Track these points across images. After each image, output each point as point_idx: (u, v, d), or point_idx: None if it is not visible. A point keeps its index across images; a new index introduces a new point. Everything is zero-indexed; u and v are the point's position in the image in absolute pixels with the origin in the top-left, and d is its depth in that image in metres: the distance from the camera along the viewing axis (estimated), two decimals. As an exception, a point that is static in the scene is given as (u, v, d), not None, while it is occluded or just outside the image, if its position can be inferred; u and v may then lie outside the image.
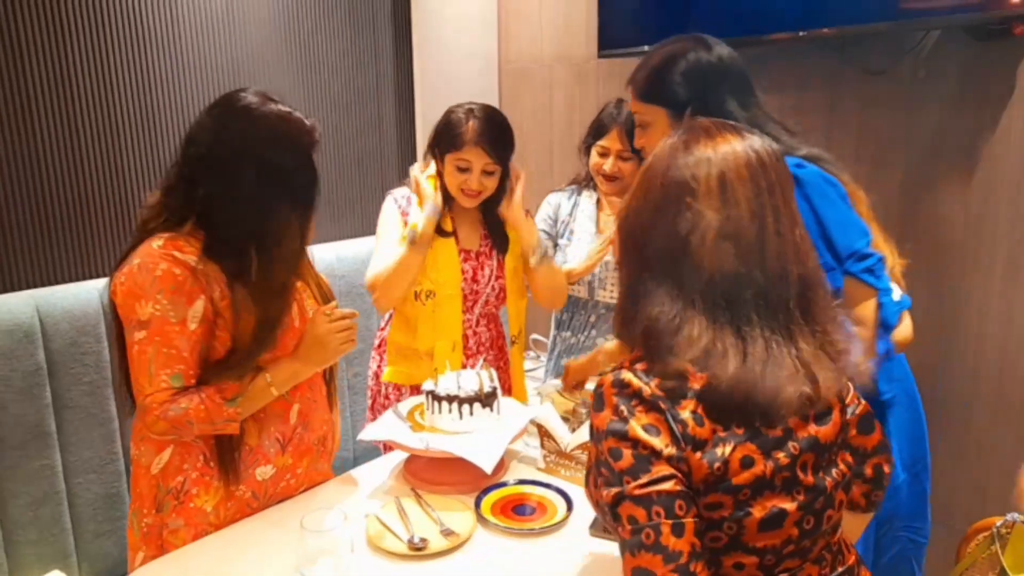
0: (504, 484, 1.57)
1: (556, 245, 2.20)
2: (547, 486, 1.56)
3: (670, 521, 0.88)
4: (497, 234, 1.96)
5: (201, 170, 1.37)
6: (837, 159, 1.48)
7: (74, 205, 2.04)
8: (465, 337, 1.95)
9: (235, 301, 1.37)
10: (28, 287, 1.93)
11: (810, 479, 0.96)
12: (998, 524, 1.64)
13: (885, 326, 1.35)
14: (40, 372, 1.83)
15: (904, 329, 1.38)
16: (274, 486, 1.51)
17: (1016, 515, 1.62)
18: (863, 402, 1.10)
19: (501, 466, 1.63)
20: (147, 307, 1.33)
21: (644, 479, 0.88)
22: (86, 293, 1.93)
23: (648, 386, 0.91)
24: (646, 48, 2.32)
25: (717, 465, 0.90)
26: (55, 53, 1.98)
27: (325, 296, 1.59)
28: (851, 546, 1.08)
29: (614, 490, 0.90)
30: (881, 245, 1.48)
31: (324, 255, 2.48)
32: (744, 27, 2.08)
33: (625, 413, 0.90)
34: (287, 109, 1.41)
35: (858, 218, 1.40)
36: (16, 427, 1.81)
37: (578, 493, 1.48)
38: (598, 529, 1.33)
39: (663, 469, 0.89)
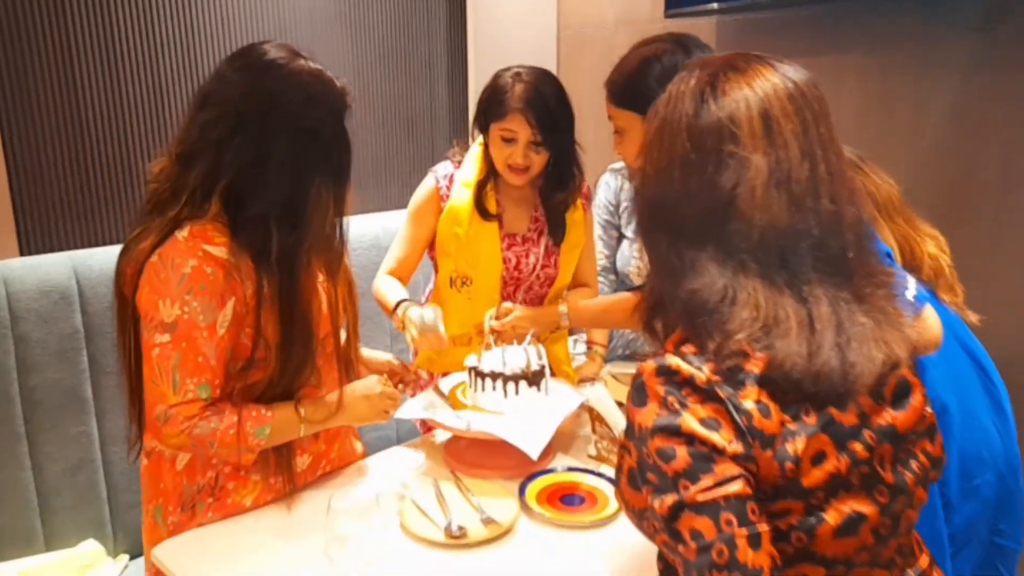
0: (551, 471, 1.46)
1: (621, 236, 2.04)
2: (598, 475, 1.43)
3: (745, 531, 0.73)
4: (554, 220, 1.78)
5: (227, 133, 1.22)
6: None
7: (116, 166, 2.00)
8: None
9: (260, 292, 1.24)
10: (66, 248, 1.90)
11: (889, 476, 0.82)
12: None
13: None
14: (77, 336, 1.79)
15: (927, 329, 1.23)
16: (311, 474, 1.43)
17: None
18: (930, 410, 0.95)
19: (548, 451, 1.52)
20: (173, 308, 1.20)
21: (707, 481, 0.74)
22: (125, 257, 1.87)
23: (701, 371, 0.76)
24: (715, 6, 2.16)
25: (789, 465, 0.76)
26: (100, 17, 1.94)
27: (348, 279, 1.46)
28: (922, 544, 0.94)
29: (670, 499, 0.75)
30: (888, 239, 1.39)
31: (369, 227, 2.39)
32: (829, -21, 1.89)
33: (676, 405, 0.76)
34: (318, 67, 1.28)
35: None
36: (52, 391, 1.78)
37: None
38: None
39: (729, 468, 0.74)
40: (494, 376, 1.49)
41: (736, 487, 0.74)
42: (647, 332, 0.90)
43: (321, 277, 1.39)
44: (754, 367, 0.77)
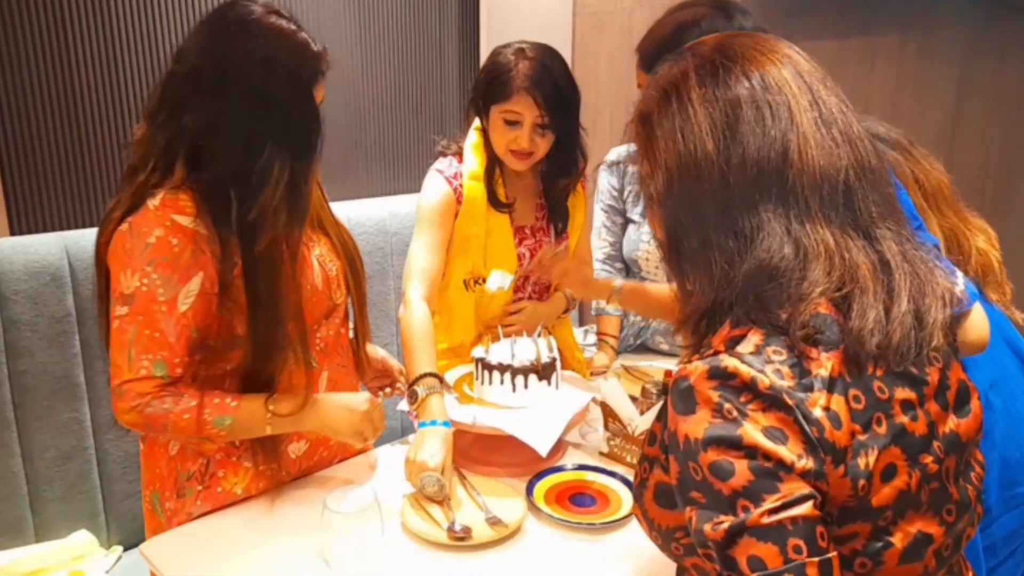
0: (561, 469, 1.38)
1: (626, 222, 1.96)
2: (610, 474, 1.36)
3: (816, 559, 0.64)
4: (556, 207, 1.69)
5: (186, 91, 1.15)
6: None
7: (110, 144, 1.92)
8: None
9: (230, 265, 1.16)
10: (58, 228, 1.83)
11: (955, 492, 0.75)
12: None
13: None
14: (69, 319, 1.72)
15: (972, 330, 1.14)
16: (308, 461, 1.36)
17: None
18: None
19: (558, 448, 1.44)
20: (133, 280, 1.13)
21: (772, 502, 0.64)
22: (121, 238, 1.79)
23: (764, 375, 0.67)
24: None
25: (862, 483, 0.67)
26: (96, -18, 1.85)
27: (349, 253, 1.38)
28: (967, 561, 0.87)
29: (726, 522, 0.66)
30: (934, 230, 1.30)
31: (376, 211, 2.32)
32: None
33: (734, 413, 0.67)
34: (293, 27, 1.19)
35: (904, 199, 1.19)
36: (44, 376, 1.71)
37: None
38: None
39: (797, 487, 0.65)
40: (502, 368, 1.41)
41: (805, 508, 0.64)
42: (689, 330, 0.81)
43: (318, 251, 1.31)
44: (821, 368, 0.68)
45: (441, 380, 1.42)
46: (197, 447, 1.23)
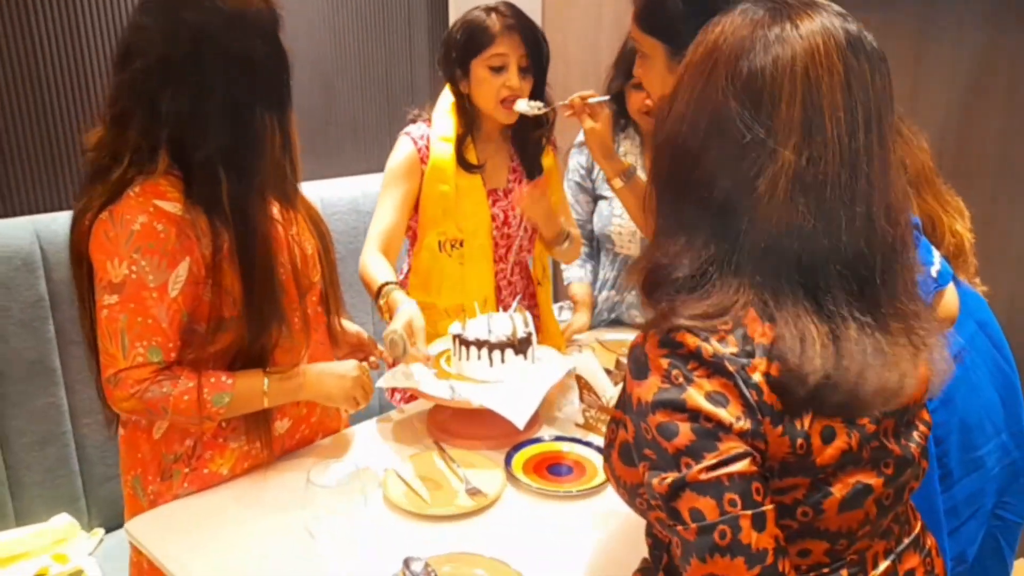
0: (538, 440, 1.42)
1: (595, 199, 1.99)
2: (586, 444, 1.40)
3: (749, 512, 0.69)
4: (531, 161, 1.73)
5: (158, 84, 1.14)
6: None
7: (79, 126, 1.88)
8: (498, 289, 1.75)
9: (218, 247, 1.17)
10: (28, 213, 1.80)
11: (896, 448, 0.79)
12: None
13: None
14: (42, 304, 1.71)
15: (945, 308, 1.22)
16: (290, 439, 1.38)
17: None
18: None
19: (535, 421, 1.47)
20: (121, 268, 1.14)
21: (710, 459, 0.69)
22: (92, 222, 1.78)
23: (708, 344, 0.71)
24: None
25: (800, 442, 0.72)
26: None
27: (320, 232, 1.39)
28: (915, 510, 0.92)
29: (670, 477, 0.71)
30: (916, 212, 1.34)
31: (348, 190, 2.32)
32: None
33: (680, 379, 0.71)
34: None
35: None
36: (18, 362, 1.70)
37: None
38: None
39: (734, 446, 0.70)
40: (479, 344, 1.44)
41: (741, 465, 0.69)
42: (646, 295, 0.83)
43: (295, 230, 1.32)
44: (763, 338, 0.72)
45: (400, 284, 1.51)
46: (198, 427, 1.24)
